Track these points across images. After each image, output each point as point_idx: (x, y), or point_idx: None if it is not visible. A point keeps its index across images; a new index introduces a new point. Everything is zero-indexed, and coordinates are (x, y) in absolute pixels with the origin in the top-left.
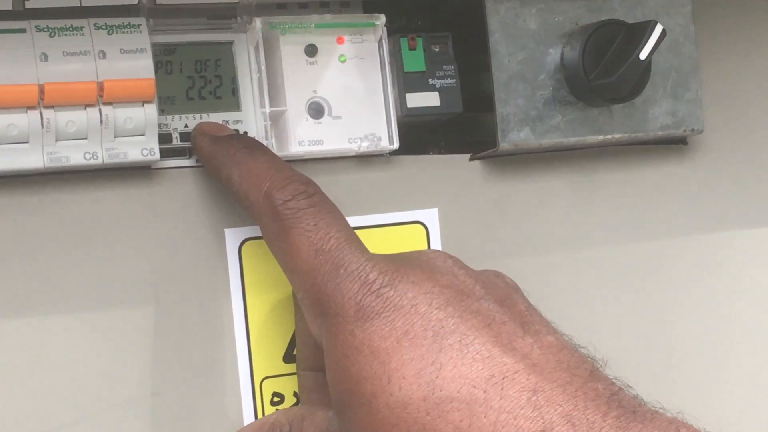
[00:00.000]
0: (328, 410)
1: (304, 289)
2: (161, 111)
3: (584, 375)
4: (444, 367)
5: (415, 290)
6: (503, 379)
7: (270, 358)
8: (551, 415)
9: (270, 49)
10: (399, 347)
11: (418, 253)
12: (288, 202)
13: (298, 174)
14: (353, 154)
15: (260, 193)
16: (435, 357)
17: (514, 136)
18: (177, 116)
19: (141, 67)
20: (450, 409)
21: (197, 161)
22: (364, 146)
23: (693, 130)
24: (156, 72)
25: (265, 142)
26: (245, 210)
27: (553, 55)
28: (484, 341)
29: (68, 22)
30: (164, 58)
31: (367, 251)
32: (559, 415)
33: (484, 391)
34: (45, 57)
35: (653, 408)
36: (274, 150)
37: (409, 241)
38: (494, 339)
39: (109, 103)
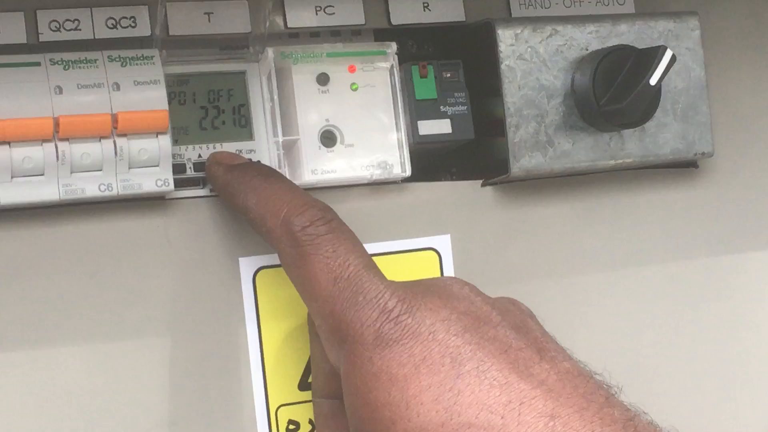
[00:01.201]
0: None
1: (323, 317)
2: (175, 141)
3: (600, 401)
4: (462, 393)
5: (432, 317)
6: (520, 404)
7: (285, 386)
8: None
9: (282, 79)
10: (417, 374)
11: (435, 280)
12: (306, 228)
13: (315, 200)
14: (366, 181)
15: (278, 219)
16: (453, 383)
17: (526, 162)
18: (191, 146)
19: (154, 98)
20: None
21: (211, 191)
22: (377, 174)
23: (703, 153)
24: (169, 103)
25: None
26: (262, 236)
27: (564, 81)
28: (501, 367)
29: (82, 55)
30: (177, 88)
31: (385, 278)
32: None
33: (502, 417)
34: (59, 90)
35: None
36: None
37: (422, 268)
38: (511, 365)
39: (124, 135)
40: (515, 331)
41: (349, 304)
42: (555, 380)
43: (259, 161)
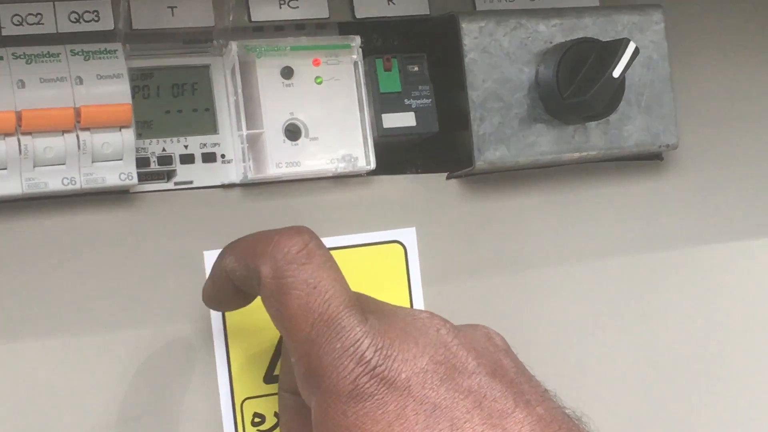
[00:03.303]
0: None
1: (298, 356)
2: (139, 135)
3: None
4: None
5: (408, 369)
6: None
7: (250, 379)
8: None
9: (246, 72)
10: (392, 431)
11: (413, 319)
12: (286, 256)
13: (298, 226)
14: (330, 174)
15: (266, 248)
16: None
17: (490, 155)
18: (155, 140)
19: (118, 92)
20: None
21: (176, 184)
22: (341, 167)
23: (668, 145)
24: (133, 97)
25: (242, 165)
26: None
27: (528, 73)
28: (474, 424)
29: (45, 49)
30: (141, 82)
31: (363, 318)
32: None
33: None
34: (22, 84)
35: None
36: (251, 172)
37: (387, 261)
38: (485, 421)
39: (87, 129)
40: (490, 377)
41: (325, 350)
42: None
43: (223, 156)
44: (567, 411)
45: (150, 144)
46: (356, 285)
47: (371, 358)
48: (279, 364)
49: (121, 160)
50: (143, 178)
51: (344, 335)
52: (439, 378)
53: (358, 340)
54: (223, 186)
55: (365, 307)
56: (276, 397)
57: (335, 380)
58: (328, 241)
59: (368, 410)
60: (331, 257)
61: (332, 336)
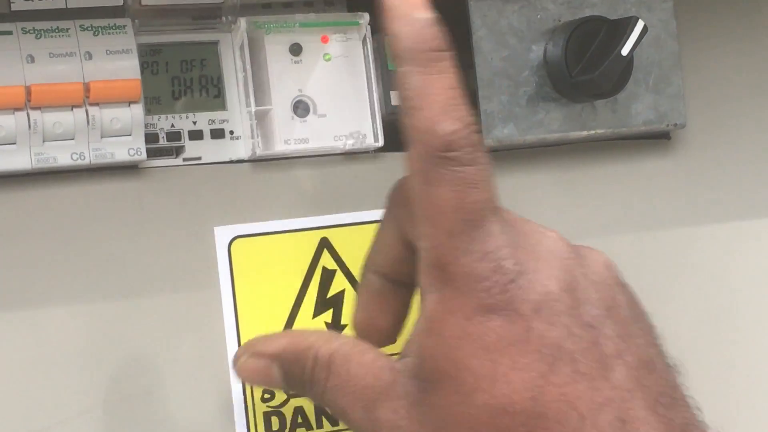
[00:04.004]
0: (383, 356)
1: (432, 246)
2: (147, 111)
3: (666, 403)
4: (551, 384)
5: (538, 291)
6: (600, 405)
7: None
8: None
9: (255, 49)
10: (512, 351)
11: (542, 236)
12: (453, 152)
13: (471, 114)
14: (339, 151)
15: (428, 122)
16: (545, 371)
17: (498, 133)
18: (163, 116)
19: (127, 68)
20: (545, 428)
21: (184, 160)
22: (350, 144)
23: (675, 124)
24: (142, 72)
25: (250, 141)
26: (404, 122)
27: (536, 51)
28: (591, 361)
29: (54, 24)
30: (150, 58)
31: (504, 225)
32: None
33: (581, 417)
34: (31, 59)
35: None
36: (260, 149)
37: None
38: (599, 360)
39: (96, 104)
40: (608, 313)
41: (465, 249)
42: (634, 378)
43: (231, 132)
44: (667, 356)
45: (159, 120)
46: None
47: (509, 270)
48: (371, 244)
49: (130, 135)
50: (152, 153)
51: (488, 240)
52: (565, 306)
53: (500, 247)
54: (231, 162)
55: (507, 216)
56: None
57: (469, 283)
58: (336, 218)
59: (494, 324)
60: (489, 158)
61: (477, 237)
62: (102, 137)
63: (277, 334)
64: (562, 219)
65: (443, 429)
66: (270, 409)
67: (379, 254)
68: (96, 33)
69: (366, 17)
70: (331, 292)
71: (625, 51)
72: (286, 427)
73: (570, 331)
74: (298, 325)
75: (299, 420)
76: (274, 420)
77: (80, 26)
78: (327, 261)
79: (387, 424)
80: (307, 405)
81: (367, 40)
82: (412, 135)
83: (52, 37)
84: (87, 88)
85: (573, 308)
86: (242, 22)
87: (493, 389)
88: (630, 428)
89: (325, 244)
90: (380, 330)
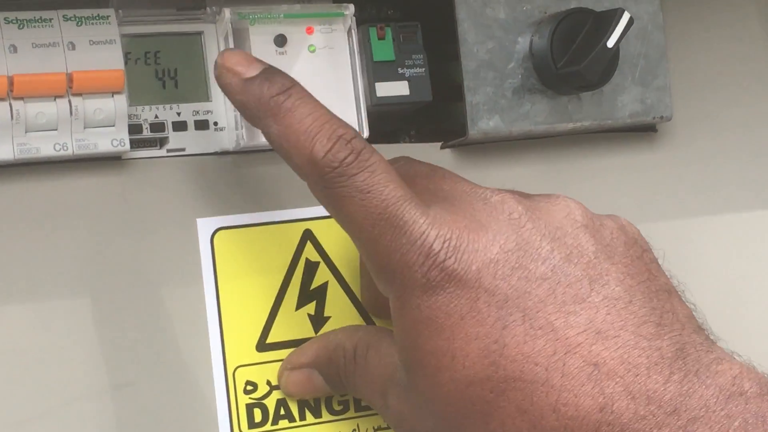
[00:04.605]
0: (394, 345)
1: (368, 257)
2: (131, 102)
3: (649, 333)
4: (507, 346)
5: (478, 261)
6: (565, 354)
7: (243, 348)
8: (611, 389)
9: (239, 39)
10: (463, 324)
11: (483, 203)
12: (335, 169)
13: (339, 126)
14: None
15: (303, 157)
16: (498, 335)
17: (484, 125)
18: (147, 107)
19: (110, 58)
20: (512, 389)
21: (168, 151)
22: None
23: (662, 117)
24: (125, 63)
25: (234, 132)
26: (290, 165)
27: (522, 43)
28: (548, 313)
29: (37, 14)
30: (134, 48)
31: (425, 207)
32: (619, 388)
33: (546, 369)
34: (14, 49)
35: (721, 352)
36: (244, 140)
37: None
38: (558, 308)
39: (79, 95)
40: (565, 261)
41: (392, 247)
42: (603, 316)
43: (274, 69)
44: (665, 282)
45: (143, 111)
46: (348, 254)
47: (440, 250)
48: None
49: (113, 126)
50: (135, 144)
51: (408, 229)
52: (510, 267)
53: (423, 232)
54: (215, 154)
55: (430, 197)
56: (268, 365)
57: (406, 275)
58: (320, 210)
59: (441, 303)
60: (379, 158)
61: (396, 232)
62: (85, 128)
63: (307, 343)
64: None
65: (426, 409)
66: (252, 401)
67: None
68: (79, 23)
69: (351, 8)
70: (315, 284)
71: (610, 43)
72: (268, 419)
73: (519, 289)
74: (280, 317)
75: (282, 412)
76: (257, 412)
77: (63, 16)
78: (310, 253)
79: (394, 410)
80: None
81: (352, 31)
82: (300, 174)
83: (35, 27)
84: (70, 78)
85: (519, 267)
86: (226, 12)
87: (453, 365)
88: (605, 370)
89: (308, 236)
90: (386, 306)
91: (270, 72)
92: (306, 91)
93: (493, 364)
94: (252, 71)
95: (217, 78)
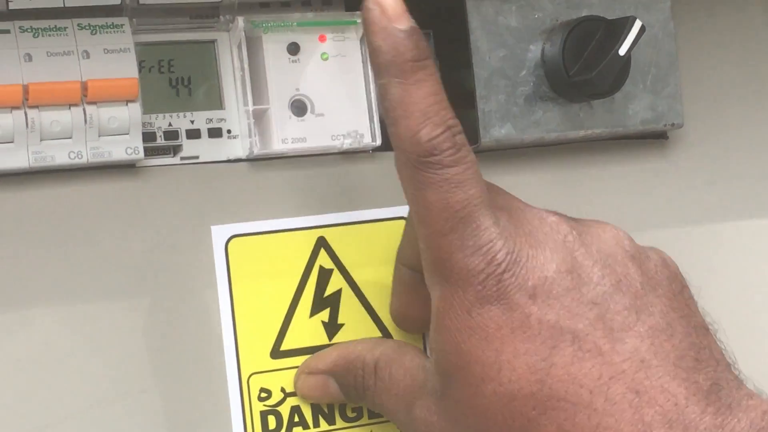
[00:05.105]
0: (420, 356)
1: (429, 246)
2: (145, 110)
3: (687, 366)
4: (555, 365)
5: (535, 278)
6: (610, 379)
7: (257, 355)
8: (650, 417)
9: (253, 48)
10: (513, 338)
11: (540, 222)
12: (434, 156)
13: (451, 116)
14: (336, 151)
15: (409, 131)
16: (547, 354)
17: (496, 132)
18: (161, 115)
19: (124, 67)
20: (555, 408)
21: (182, 159)
22: (347, 143)
23: (673, 124)
24: (139, 71)
25: (248, 140)
26: (389, 131)
27: (534, 51)
28: (597, 338)
29: (52, 23)
30: (147, 57)
31: (496, 215)
32: (658, 417)
33: (590, 392)
34: (29, 57)
35: (750, 390)
36: (257, 148)
37: (393, 238)
38: (606, 334)
39: (93, 103)
40: (614, 288)
41: (458, 246)
42: (647, 346)
43: (420, 33)
44: (701, 320)
45: (156, 119)
46: (361, 261)
47: (502, 261)
48: (401, 238)
49: (127, 134)
50: (149, 152)
51: (479, 235)
52: (564, 288)
53: (492, 240)
54: (228, 161)
55: (495, 202)
56: (282, 372)
57: (465, 278)
58: (333, 217)
59: (493, 315)
60: (474, 160)
61: (468, 232)
62: (99, 136)
63: (327, 349)
64: None
65: (463, 420)
66: (266, 408)
67: (406, 248)
68: (94, 32)
69: None
70: (328, 291)
71: (622, 51)
72: (282, 426)
73: (571, 311)
74: (294, 324)
75: (296, 419)
76: (271, 419)
77: (78, 25)
78: (324, 260)
79: (422, 422)
80: (304, 404)
81: (365, 39)
82: (396, 143)
83: (49, 35)
84: (84, 86)
85: (573, 289)
86: (240, 21)
87: (499, 377)
88: (646, 398)
89: (322, 244)
90: (415, 318)
91: (418, 34)
92: (435, 68)
93: (540, 381)
94: (403, 23)
95: (365, 10)
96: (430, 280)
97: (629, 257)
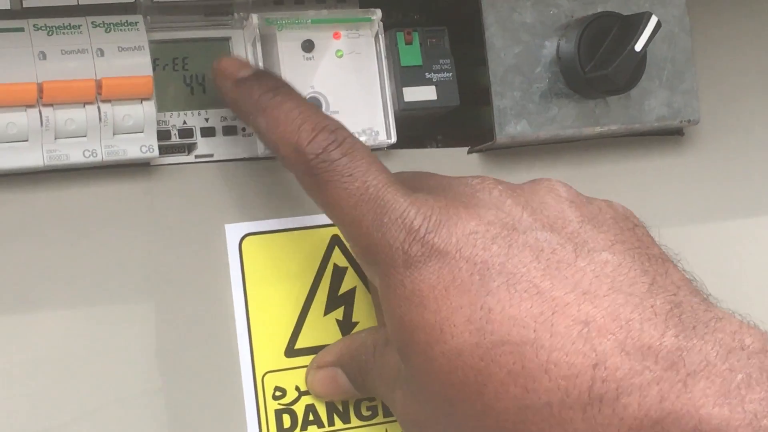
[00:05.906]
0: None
1: (351, 239)
2: (160, 108)
3: (641, 292)
4: (492, 310)
5: (458, 233)
6: (553, 314)
7: (271, 353)
8: (603, 346)
9: (267, 45)
10: (447, 295)
11: (464, 186)
12: (319, 155)
13: (325, 119)
14: None
15: (290, 147)
16: (483, 301)
17: (511, 129)
18: (175, 113)
19: (139, 65)
20: (502, 353)
21: (196, 157)
22: (363, 140)
23: (689, 120)
24: (154, 69)
25: None
26: (278, 161)
27: (549, 48)
28: (532, 276)
29: (66, 21)
30: (162, 54)
31: (408, 192)
32: (612, 344)
33: (534, 331)
34: (43, 55)
35: (720, 311)
36: None
37: None
38: (542, 272)
39: (108, 101)
40: (548, 231)
41: (374, 227)
42: (591, 278)
43: (265, 71)
44: (658, 250)
45: (171, 117)
46: None
47: (420, 225)
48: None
49: (142, 132)
50: (164, 150)
51: (389, 208)
52: (491, 236)
53: (405, 210)
54: (243, 159)
55: (414, 185)
56: (297, 370)
57: (389, 252)
58: None
59: (424, 277)
60: (362, 146)
61: (378, 211)
62: (114, 134)
63: (334, 342)
64: None
65: (421, 396)
66: (281, 407)
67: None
68: (108, 29)
69: (378, 13)
70: (343, 289)
71: (638, 47)
72: (297, 425)
73: (501, 256)
74: (309, 322)
75: (311, 417)
76: (286, 418)
77: (92, 23)
78: (338, 258)
79: (400, 403)
80: (319, 402)
81: (380, 36)
82: (287, 165)
83: (63, 33)
84: (99, 84)
85: (501, 236)
86: (254, 18)
87: (443, 337)
88: (595, 327)
89: (336, 242)
90: None
91: (261, 73)
92: (295, 90)
93: (480, 329)
94: (244, 73)
95: (213, 81)
96: (368, 272)
97: (565, 201)
